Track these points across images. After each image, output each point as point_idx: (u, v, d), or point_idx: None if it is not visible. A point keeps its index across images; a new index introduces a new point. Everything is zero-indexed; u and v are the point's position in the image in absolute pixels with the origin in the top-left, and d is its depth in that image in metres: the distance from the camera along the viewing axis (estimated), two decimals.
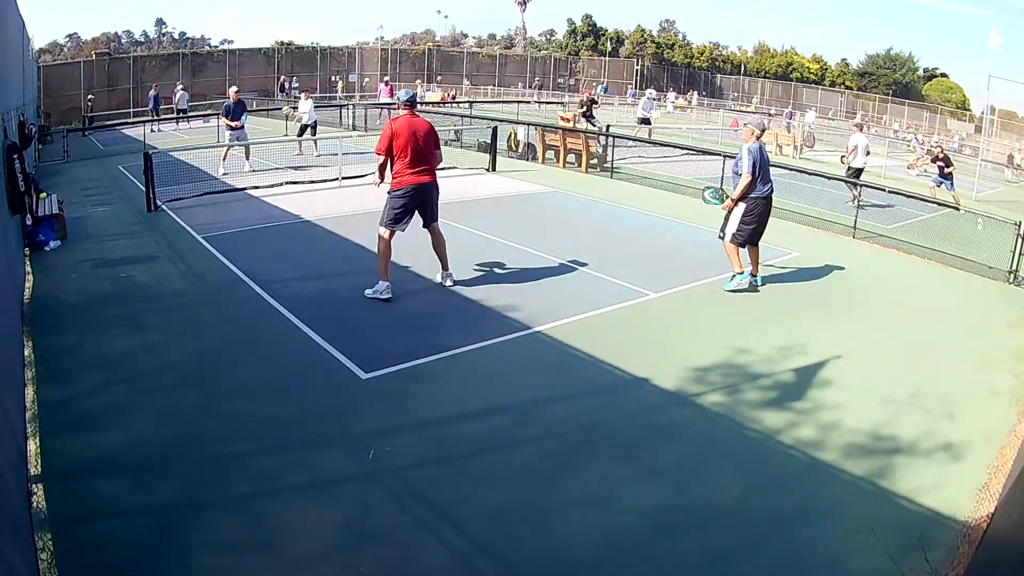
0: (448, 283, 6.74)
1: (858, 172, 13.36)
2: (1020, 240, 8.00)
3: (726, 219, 7.03)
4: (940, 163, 14.86)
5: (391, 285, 6.32)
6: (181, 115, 23.63)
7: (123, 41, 57.06)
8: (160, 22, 60.26)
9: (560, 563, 3.17)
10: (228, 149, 13.33)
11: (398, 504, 3.55)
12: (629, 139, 17.38)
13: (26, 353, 5.06)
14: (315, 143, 15.25)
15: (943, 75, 48.74)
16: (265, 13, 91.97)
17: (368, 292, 6.34)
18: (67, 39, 54.20)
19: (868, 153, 13.59)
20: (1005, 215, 9.22)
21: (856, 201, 12.28)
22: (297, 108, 16.25)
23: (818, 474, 3.93)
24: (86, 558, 3.07)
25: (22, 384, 4.48)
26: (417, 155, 6.25)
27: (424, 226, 6.58)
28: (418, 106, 7.17)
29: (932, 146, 17.22)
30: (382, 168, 6.44)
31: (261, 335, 5.57)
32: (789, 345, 5.67)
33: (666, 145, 16.81)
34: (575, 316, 6.08)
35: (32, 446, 3.86)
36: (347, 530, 3.32)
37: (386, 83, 27.15)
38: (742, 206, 6.84)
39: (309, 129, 15.67)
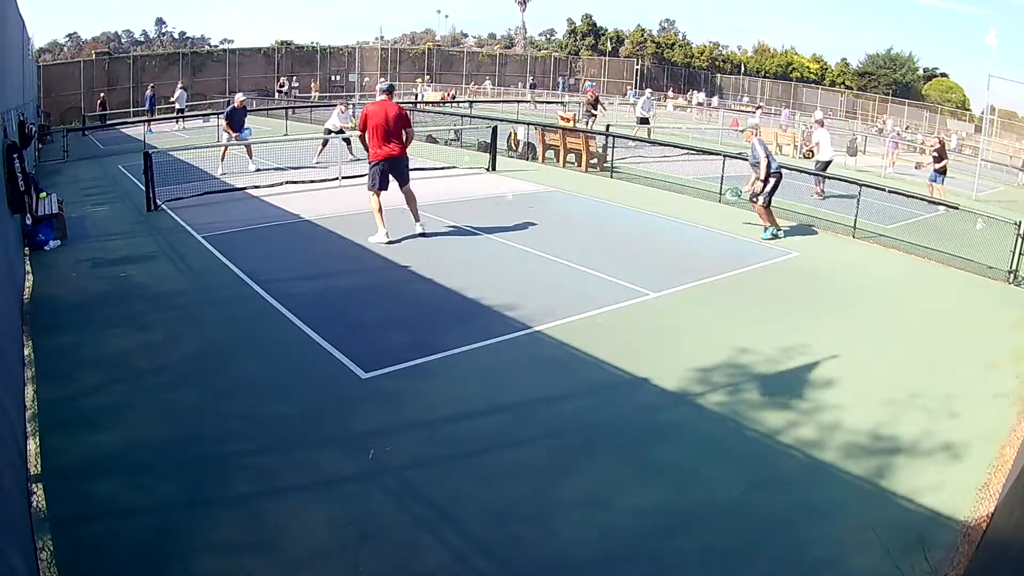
0: (419, 230, 8.35)
1: (826, 165, 13.89)
2: (1020, 240, 8.00)
3: (757, 194, 9.49)
4: (935, 154, 15.26)
5: (388, 230, 8.07)
6: (180, 115, 23.53)
7: (123, 41, 57.11)
8: (160, 22, 60.35)
9: (560, 563, 3.17)
10: (226, 149, 13.27)
11: (398, 504, 3.55)
12: (629, 139, 17.38)
13: (26, 353, 5.06)
14: (322, 146, 14.82)
15: (943, 75, 48.72)
16: (265, 13, 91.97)
17: (371, 239, 8.03)
18: (67, 39, 54.26)
19: (832, 146, 14.26)
20: (1005, 215, 9.22)
21: (822, 195, 13.37)
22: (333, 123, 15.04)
23: (818, 474, 3.93)
24: (86, 558, 3.06)
25: (22, 384, 4.48)
26: (387, 133, 7.86)
27: (400, 188, 8.21)
28: (394, 94, 8.70)
29: (931, 144, 17.44)
30: (362, 140, 8.16)
31: (261, 335, 5.57)
32: (789, 345, 5.67)
33: (666, 145, 16.81)
34: (575, 316, 6.08)
35: (32, 446, 3.86)
36: (347, 530, 3.32)
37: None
38: (772, 180, 9.46)
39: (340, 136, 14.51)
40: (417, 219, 8.40)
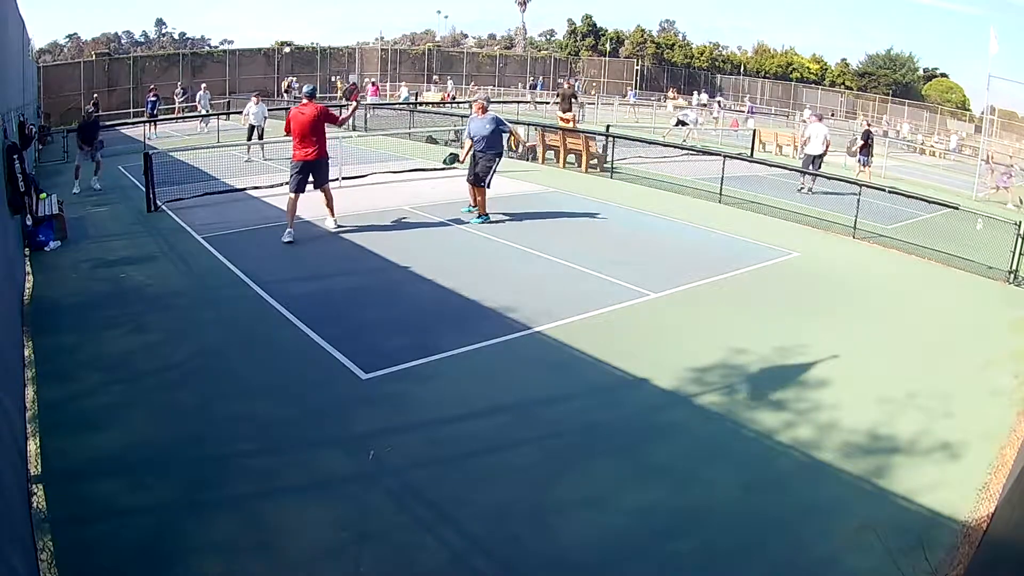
0: (332, 227, 8.71)
1: (815, 159, 14.15)
2: (1020, 240, 8.00)
3: (488, 173, 9.22)
4: (863, 140, 16.71)
5: (294, 231, 8.26)
6: (205, 117, 22.67)
7: (123, 41, 57.03)
8: (160, 22, 60.25)
9: (559, 563, 3.18)
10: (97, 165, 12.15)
11: (398, 504, 3.55)
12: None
13: (26, 353, 5.06)
14: (261, 148, 14.94)
15: (943, 75, 48.69)
16: (265, 13, 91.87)
17: (284, 239, 8.15)
18: (67, 39, 54.15)
19: (827, 142, 14.41)
20: (1005, 215, 9.22)
21: (808, 189, 13.43)
22: (247, 112, 15.58)
23: (818, 474, 3.93)
24: (86, 558, 3.07)
25: (22, 384, 4.48)
26: (303, 137, 8.17)
27: (316, 187, 8.55)
28: (315, 97, 8.80)
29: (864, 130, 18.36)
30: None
31: (261, 335, 5.57)
32: (789, 345, 5.67)
33: (666, 145, 16.81)
34: (575, 316, 6.08)
35: (32, 446, 3.86)
36: (347, 530, 3.32)
37: (373, 84, 29.78)
38: (498, 160, 9.30)
39: (256, 132, 15.21)
40: (332, 214, 8.78)
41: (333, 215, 8.83)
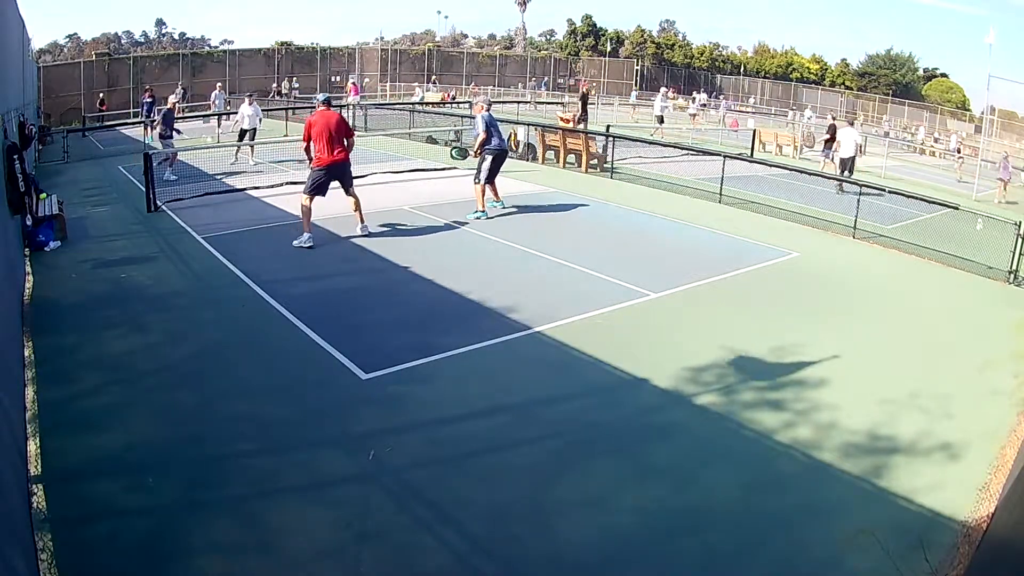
0: (362, 232, 8.55)
1: (844, 162, 14.71)
2: (1020, 240, 8.00)
3: (478, 169, 9.60)
4: (827, 135, 17.30)
5: (312, 236, 8.12)
6: (222, 117, 22.29)
7: (123, 41, 57.08)
8: (160, 22, 60.34)
9: (559, 563, 3.18)
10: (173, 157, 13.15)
11: (398, 504, 3.56)
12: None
13: (26, 353, 5.06)
14: (251, 149, 15.02)
15: (943, 75, 48.70)
16: (265, 13, 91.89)
17: (295, 242, 8.04)
18: (67, 39, 54.23)
19: (859, 145, 15.17)
20: (1005, 215, 9.22)
21: (840, 190, 13.65)
22: (236, 113, 15.80)
23: (817, 474, 3.93)
24: (86, 558, 3.07)
25: (22, 384, 4.48)
26: (331, 140, 8.10)
27: (345, 193, 8.52)
28: (331, 104, 8.88)
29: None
30: (307, 151, 8.32)
31: (261, 335, 5.57)
32: (788, 345, 5.67)
33: (666, 145, 16.82)
34: (575, 316, 6.08)
35: (32, 446, 3.86)
36: (347, 530, 3.32)
37: (353, 84, 30.31)
38: (488, 157, 9.47)
39: (248, 134, 15.12)
40: (362, 221, 8.59)
41: (363, 220, 8.64)
